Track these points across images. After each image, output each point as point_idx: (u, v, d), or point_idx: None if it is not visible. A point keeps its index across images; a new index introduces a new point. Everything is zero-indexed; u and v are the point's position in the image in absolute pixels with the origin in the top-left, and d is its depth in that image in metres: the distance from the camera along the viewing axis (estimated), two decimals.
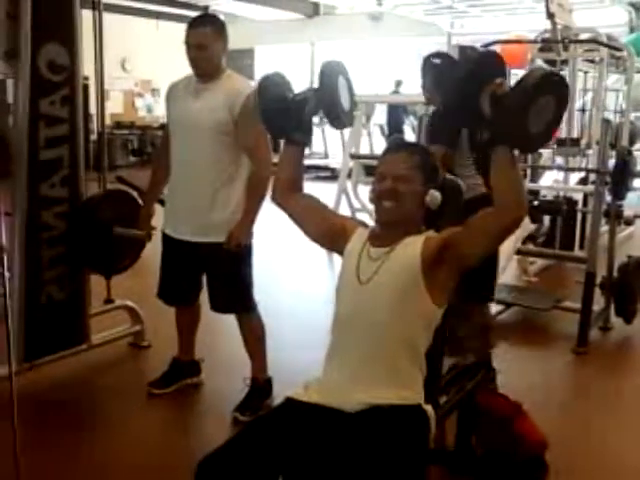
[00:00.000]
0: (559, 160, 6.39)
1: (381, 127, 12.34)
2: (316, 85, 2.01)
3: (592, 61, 6.65)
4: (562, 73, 5.74)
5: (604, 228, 4.83)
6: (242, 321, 3.08)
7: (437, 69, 3.21)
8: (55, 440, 2.79)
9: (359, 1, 12.62)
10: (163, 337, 3.66)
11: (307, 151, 2.15)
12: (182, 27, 2.94)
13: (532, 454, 2.47)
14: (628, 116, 6.39)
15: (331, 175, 10.57)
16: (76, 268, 3.31)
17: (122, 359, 3.72)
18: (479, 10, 12.01)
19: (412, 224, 1.97)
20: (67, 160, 3.18)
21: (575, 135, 6.35)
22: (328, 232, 2.08)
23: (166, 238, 3.08)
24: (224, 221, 2.88)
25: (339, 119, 2.01)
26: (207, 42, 2.84)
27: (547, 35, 5.55)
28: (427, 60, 3.23)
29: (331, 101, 1.97)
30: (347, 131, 7.78)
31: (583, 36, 6.13)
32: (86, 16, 3.25)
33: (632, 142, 6.65)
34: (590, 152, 6.25)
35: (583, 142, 6.28)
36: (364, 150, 8.49)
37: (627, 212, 4.77)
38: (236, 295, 3.02)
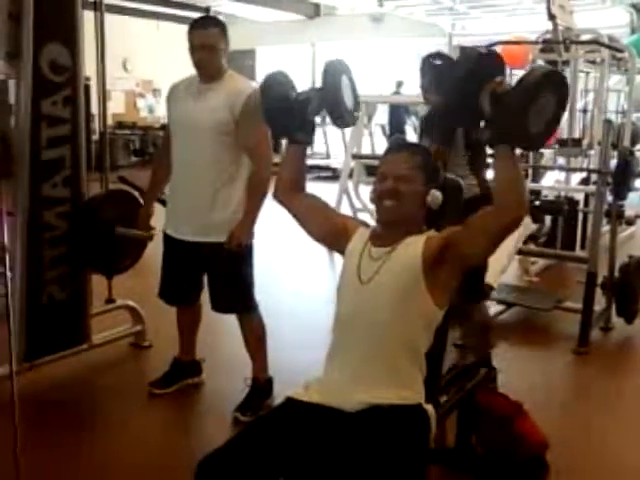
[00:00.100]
0: (561, 160, 6.40)
1: (382, 127, 12.34)
2: (319, 84, 2.01)
3: (593, 62, 6.66)
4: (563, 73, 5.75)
5: (605, 228, 4.83)
6: (243, 321, 3.08)
7: (436, 69, 3.22)
8: (55, 440, 2.79)
9: (360, 2, 12.63)
10: (164, 337, 3.67)
11: (309, 151, 2.16)
12: (182, 28, 2.95)
13: (533, 454, 2.47)
14: (630, 117, 6.40)
15: (332, 175, 10.57)
16: (78, 268, 3.31)
17: (123, 359, 3.72)
18: (480, 11, 12.02)
19: (413, 224, 1.97)
20: (69, 160, 3.18)
21: (577, 136, 6.36)
22: (330, 232, 2.08)
23: (167, 238, 3.08)
24: (225, 221, 2.89)
25: (342, 118, 2.01)
26: (214, 43, 2.84)
27: (548, 36, 5.55)
28: (426, 60, 3.24)
29: (334, 100, 1.97)
30: (348, 131, 7.79)
31: (584, 37, 6.13)
32: (87, 17, 3.26)
33: (634, 142, 6.65)
34: (592, 152, 6.26)
35: (585, 142, 6.29)
36: (365, 150, 8.49)
37: (628, 212, 4.77)
38: (237, 295, 3.02)
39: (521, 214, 1.76)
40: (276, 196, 2.11)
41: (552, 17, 4.98)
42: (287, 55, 14.45)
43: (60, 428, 2.89)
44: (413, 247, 1.91)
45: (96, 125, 4.05)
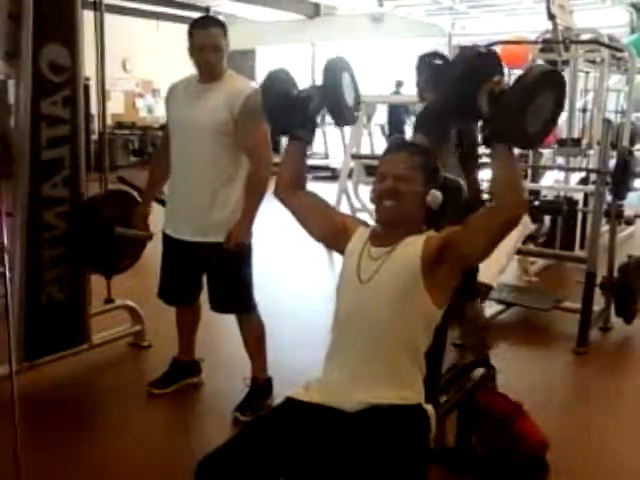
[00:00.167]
0: (560, 160, 6.40)
1: (382, 127, 12.34)
2: (320, 82, 2.01)
3: (593, 62, 6.66)
4: (563, 74, 5.75)
5: (604, 228, 4.83)
6: (242, 321, 3.08)
7: (432, 68, 3.19)
8: (55, 440, 2.79)
9: (360, 2, 12.62)
10: (163, 337, 3.67)
11: (307, 151, 2.16)
12: (182, 28, 2.95)
13: (533, 454, 2.47)
14: (629, 116, 6.39)
15: (332, 175, 10.57)
16: (77, 268, 3.31)
17: (122, 359, 3.73)
18: (479, 11, 12.02)
19: (413, 224, 1.97)
20: (68, 160, 3.18)
21: (576, 135, 6.36)
22: (330, 231, 2.08)
23: (166, 238, 3.08)
24: (223, 221, 2.89)
25: (342, 115, 2.01)
26: (218, 43, 2.84)
27: (548, 36, 5.55)
28: (422, 59, 3.24)
29: (335, 97, 1.97)
30: (348, 131, 7.79)
31: (584, 37, 6.13)
32: (87, 17, 3.26)
33: (633, 142, 6.65)
34: (591, 152, 6.25)
35: (584, 142, 6.29)
36: (365, 150, 8.49)
37: (627, 212, 4.77)
38: (236, 295, 3.02)
39: (519, 213, 1.76)
40: (277, 194, 2.11)
41: (552, 17, 4.98)
42: (287, 55, 14.43)
43: (60, 428, 2.89)
44: (412, 247, 1.91)
45: (95, 125, 4.05)
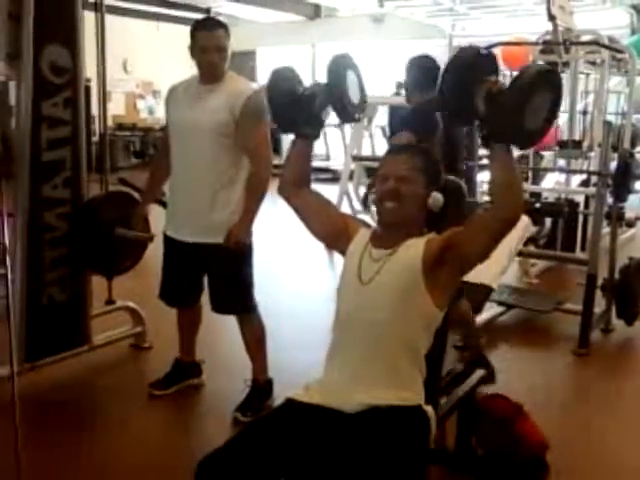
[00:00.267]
0: (561, 162, 6.40)
1: (383, 129, 12.33)
2: (325, 80, 2.01)
3: (593, 63, 6.66)
4: (562, 75, 5.76)
5: (605, 230, 4.83)
6: (243, 322, 3.09)
7: (422, 70, 3.56)
8: (56, 440, 2.80)
9: (360, 3, 12.62)
10: (164, 338, 3.67)
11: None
12: (183, 29, 2.95)
13: (533, 455, 2.47)
14: (630, 118, 6.39)
15: (333, 177, 10.58)
16: (78, 269, 3.31)
17: (123, 360, 3.73)
18: (480, 12, 12.01)
19: (414, 226, 1.97)
20: (69, 162, 3.19)
21: (577, 137, 6.36)
22: (332, 230, 2.08)
23: (167, 239, 3.08)
24: (224, 222, 2.89)
25: (346, 111, 2.00)
26: (222, 45, 2.85)
27: (548, 37, 5.56)
28: (413, 61, 3.62)
29: (338, 94, 1.97)
30: (349, 133, 7.79)
31: (584, 38, 6.13)
32: (87, 18, 3.26)
33: (634, 144, 6.66)
34: (592, 154, 6.25)
35: (585, 144, 6.29)
36: (366, 152, 8.49)
37: (628, 214, 4.78)
38: (237, 295, 3.02)
39: (518, 214, 1.77)
40: (281, 192, 2.11)
41: (552, 18, 4.98)
42: (288, 56, 14.43)
43: (60, 428, 2.89)
44: (414, 248, 1.91)
45: (96, 126, 4.05)
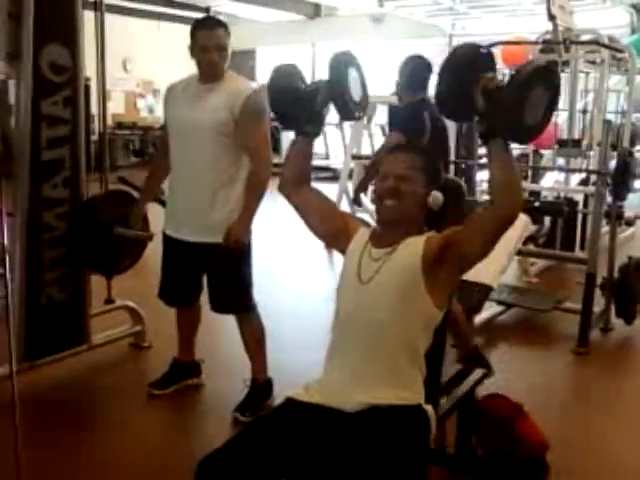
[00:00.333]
0: (560, 161, 6.40)
1: (382, 128, 12.33)
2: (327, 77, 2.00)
3: (593, 62, 6.66)
4: (563, 74, 5.77)
5: (605, 229, 4.83)
6: (242, 322, 3.08)
7: (412, 70, 3.83)
8: (55, 440, 2.80)
9: (360, 2, 12.62)
10: (164, 337, 3.66)
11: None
12: (183, 28, 2.95)
13: (533, 455, 2.47)
14: (629, 117, 6.40)
15: (332, 176, 10.57)
16: (77, 269, 3.31)
17: (123, 359, 3.72)
18: (480, 12, 12.01)
19: (413, 224, 1.97)
20: (69, 161, 3.18)
21: (576, 136, 6.36)
22: (331, 229, 2.08)
23: (167, 239, 3.08)
24: (223, 221, 2.88)
25: (347, 107, 1.99)
26: (223, 44, 2.84)
27: (548, 36, 5.56)
28: (407, 61, 3.84)
29: (340, 90, 1.96)
30: (348, 132, 7.78)
31: (584, 37, 6.13)
32: (87, 17, 3.26)
33: (633, 143, 6.66)
34: (591, 153, 6.26)
35: (584, 143, 6.29)
36: (365, 151, 8.48)
37: (628, 213, 4.77)
38: (236, 295, 3.02)
39: (517, 212, 1.77)
40: (282, 189, 2.11)
41: (552, 17, 4.99)
42: (288, 55, 14.43)
43: (60, 428, 2.89)
44: (413, 247, 1.91)
45: (96, 125, 4.05)
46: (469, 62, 1.73)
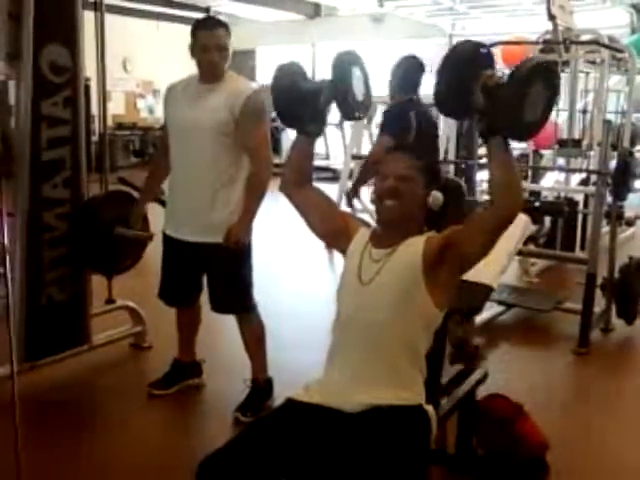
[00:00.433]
0: (560, 161, 6.40)
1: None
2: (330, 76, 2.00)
3: (593, 62, 6.66)
4: (563, 74, 5.77)
5: (605, 229, 4.83)
6: (242, 322, 3.08)
7: (405, 71, 3.92)
8: (56, 440, 2.80)
9: (360, 2, 12.62)
10: (164, 338, 3.66)
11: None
12: (183, 28, 2.95)
13: (533, 455, 2.47)
14: (629, 117, 6.39)
15: (332, 176, 10.57)
16: (77, 269, 3.31)
17: (123, 360, 3.72)
18: (480, 12, 12.01)
19: (413, 225, 1.97)
20: (69, 161, 3.18)
21: (577, 136, 6.36)
22: (332, 228, 2.08)
23: (167, 239, 3.08)
24: (224, 221, 2.88)
25: (350, 107, 1.98)
26: (224, 44, 2.84)
27: (548, 36, 5.56)
28: (400, 62, 3.94)
29: (343, 89, 1.96)
30: (348, 132, 7.78)
31: (584, 37, 6.13)
32: (87, 17, 3.26)
33: (633, 143, 6.65)
34: (591, 153, 6.25)
35: (584, 143, 6.29)
36: (366, 151, 8.48)
37: (628, 213, 4.77)
38: (236, 295, 3.02)
39: (517, 212, 1.77)
40: (283, 189, 2.10)
41: (552, 17, 4.99)
42: (288, 55, 14.40)
43: (60, 428, 2.89)
44: (413, 247, 1.91)
45: (96, 126, 4.05)
46: (469, 59, 1.73)
